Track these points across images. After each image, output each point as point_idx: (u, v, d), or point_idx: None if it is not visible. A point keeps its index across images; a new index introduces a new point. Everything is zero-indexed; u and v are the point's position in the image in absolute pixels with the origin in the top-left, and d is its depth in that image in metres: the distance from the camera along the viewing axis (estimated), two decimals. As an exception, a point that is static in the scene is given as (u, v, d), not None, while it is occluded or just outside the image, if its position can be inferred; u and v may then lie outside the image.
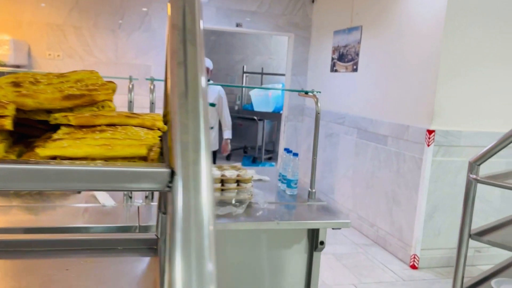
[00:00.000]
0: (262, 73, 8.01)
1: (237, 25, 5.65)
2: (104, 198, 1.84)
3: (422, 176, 3.59)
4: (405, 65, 3.90)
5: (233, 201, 1.93)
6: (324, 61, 5.44)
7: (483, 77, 3.56)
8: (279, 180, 2.36)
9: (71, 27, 5.11)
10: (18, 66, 4.96)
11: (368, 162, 4.40)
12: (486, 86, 3.56)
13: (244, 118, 7.55)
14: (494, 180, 2.07)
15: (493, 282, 2.19)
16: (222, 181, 2.00)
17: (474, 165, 2.12)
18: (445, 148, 3.56)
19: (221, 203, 1.91)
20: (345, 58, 4.93)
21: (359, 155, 4.56)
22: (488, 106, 3.59)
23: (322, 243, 2.06)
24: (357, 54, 4.68)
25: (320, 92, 2.23)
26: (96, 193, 1.91)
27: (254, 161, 7.54)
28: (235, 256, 1.93)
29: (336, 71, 5.13)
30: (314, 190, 2.20)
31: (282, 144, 6.16)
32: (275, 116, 7.42)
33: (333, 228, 1.95)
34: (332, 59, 5.21)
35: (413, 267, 3.66)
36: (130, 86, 1.99)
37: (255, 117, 7.39)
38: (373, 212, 4.28)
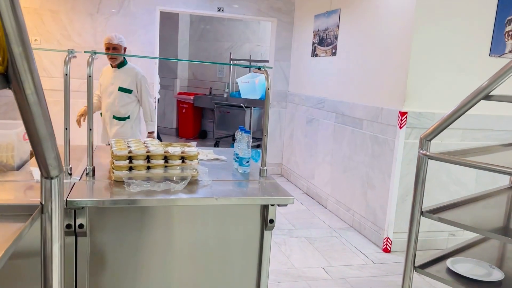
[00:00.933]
0: (250, 60, 7.93)
1: (219, 9, 5.57)
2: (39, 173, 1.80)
3: (395, 158, 3.55)
4: (380, 47, 3.83)
5: (174, 178, 1.89)
6: (305, 46, 5.37)
7: (457, 57, 3.50)
8: (233, 159, 2.32)
9: (48, 11, 5.05)
10: None
11: (345, 146, 4.36)
12: (459, 66, 3.50)
13: (232, 105, 7.50)
14: (446, 156, 2.03)
15: (448, 261, 2.16)
16: (166, 158, 1.96)
17: (424, 140, 2.07)
18: (418, 130, 3.51)
19: (162, 180, 1.87)
20: (324, 42, 4.87)
21: (337, 140, 4.52)
22: (462, 87, 3.52)
23: (271, 221, 2.02)
24: (336, 38, 4.61)
25: (271, 67, 2.17)
26: (32, 169, 1.87)
27: (241, 148, 7.50)
28: (185, 234, 1.90)
29: (316, 55, 5.07)
30: (265, 168, 2.16)
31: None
32: (262, 103, 7.35)
33: (278, 205, 1.91)
34: (313, 43, 5.15)
35: (386, 250, 3.63)
36: (67, 59, 1.93)
37: (243, 105, 7.33)
38: (350, 197, 4.24)
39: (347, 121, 4.32)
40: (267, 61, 6.94)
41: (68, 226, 1.78)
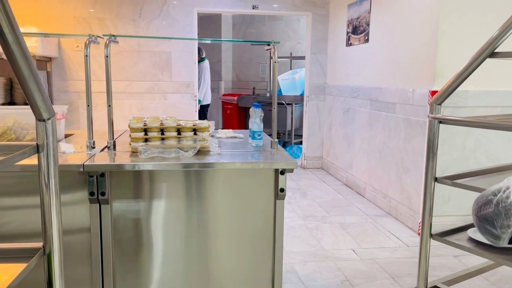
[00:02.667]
0: (290, 57, 8.00)
1: (254, 7, 5.71)
2: (66, 147, 2.00)
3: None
4: (408, 27, 3.77)
5: (185, 148, 2.01)
6: (340, 37, 5.36)
7: (487, 32, 3.36)
8: (249, 135, 2.41)
9: (95, 19, 5.44)
10: (49, 58, 5.38)
11: (380, 132, 4.29)
12: (493, 41, 3.36)
13: (273, 103, 7.58)
14: (457, 118, 2.00)
15: (470, 230, 2.10)
16: (179, 131, 2.09)
17: (434, 104, 2.05)
18: (451, 109, 3.40)
19: (174, 149, 2.00)
20: (357, 30, 4.84)
21: (373, 127, 4.46)
22: (496, 63, 3.37)
23: (282, 190, 2.07)
24: (368, 25, 4.57)
25: (279, 42, 2.25)
26: (60, 143, 2.07)
27: (284, 145, 7.56)
28: (196, 203, 2.00)
29: (351, 44, 5.04)
30: (276, 140, 2.23)
31: (304, 123, 6.14)
32: (303, 99, 7.38)
33: (285, 171, 1.96)
34: (347, 33, 5.13)
35: (421, 235, 3.53)
36: (87, 42, 2.12)
37: (284, 102, 7.40)
38: (385, 183, 4.17)
39: (381, 107, 4.26)
40: (304, 57, 6.97)
41: (92, 194, 1.95)
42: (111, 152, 2.07)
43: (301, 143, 7.72)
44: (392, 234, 3.57)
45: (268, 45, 2.26)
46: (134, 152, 2.03)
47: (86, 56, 2.06)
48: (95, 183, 1.93)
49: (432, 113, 2.01)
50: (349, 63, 5.11)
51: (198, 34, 6.75)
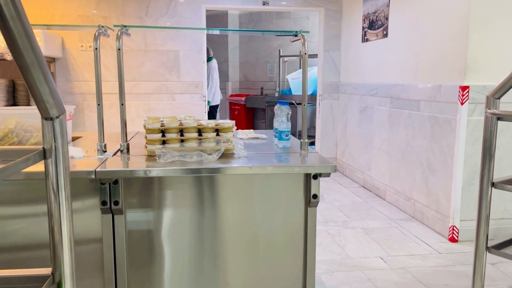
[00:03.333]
0: (299, 55, 7.78)
1: (264, 3, 5.50)
2: (75, 151, 1.79)
3: (457, 138, 3.23)
4: (434, 19, 3.54)
5: (208, 150, 1.80)
6: (355, 32, 5.14)
7: (524, 22, 3.14)
8: (274, 135, 2.19)
9: (100, 18, 5.24)
10: (53, 58, 5.18)
11: (402, 131, 4.07)
12: (528, 32, 3.14)
13: (283, 103, 7.37)
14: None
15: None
16: (200, 131, 1.88)
17: (492, 98, 1.82)
18: (483, 105, 3.17)
19: (195, 152, 1.78)
20: (375, 25, 4.62)
21: (393, 126, 4.23)
22: (532, 56, 3.15)
23: (315, 196, 1.86)
24: (387, 18, 4.35)
25: (308, 32, 2.03)
26: (70, 147, 1.86)
27: (294, 146, 7.34)
28: (223, 210, 1.79)
29: (367, 40, 4.82)
30: (306, 141, 2.01)
31: (318, 123, 5.92)
32: (314, 99, 7.16)
33: (320, 175, 1.74)
34: (363, 28, 4.91)
35: (452, 239, 3.31)
36: (96, 34, 1.91)
37: (294, 102, 7.18)
38: (409, 185, 3.94)
39: (402, 105, 4.03)
40: (317, 55, 6.75)
41: (104, 203, 1.74)
42: (124, 156, 1.86)
43: (312, 144, 7.51)
44: (420, 240, 3.34)
45: (296, 35, 2.04)
46: (151, 156, 1.81)
47: (96, 49, 1.85)
48: (108, 191, 1.72)
49: (489, 109, 1.78)
50: (365, 60, 4.89)
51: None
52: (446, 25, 3.38)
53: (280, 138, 2.05)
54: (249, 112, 8.50)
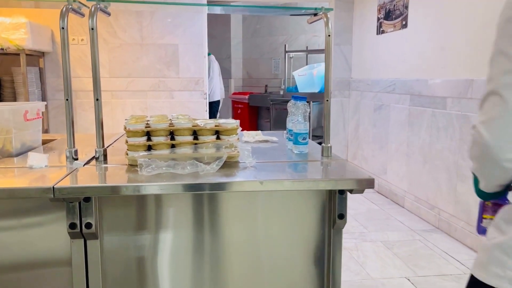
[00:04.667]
0: (306, 51, 7.38)
1: (269, -7, 5.09)
2: (36, 158, 1.39)
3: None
4: (464, 6, 3.13)
5: (206, 158, 1.40)
6: (369, 24, 4.73)
7: None
8: (287, 138, 1.79)
9: (99, 12, 4.83)
10: (42, 53, 4.79)
11: (424, 132, 3.65)
12: None
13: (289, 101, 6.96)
14: None
15: None
16: (195, 133, 1.48)
17: None
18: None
19: (189, 161, 1.38)
20: (392, 15, 4.20)
21: (414, 125, 3.82)
22: None
23: (341, 216, 1.46)
24: (406, 7, 3.94)
25: (332, 9, 1.63)
26: (30, 153, 1.46)
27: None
28: (222, 234, 1.40)
29: (383, 32, 4.41)
30: (329, 145, 1.61)
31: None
32: (322, 96, 6.75)
33: (351, 192, 1.34)
34: (378, 19, 4.50)
35: (486, 256, 2.89)
36: (64, 10, 1.52)
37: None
38: (433, 192, 3.53)
39: (425, 102, 3.62)
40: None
41: (72, 225, 1.34)
42: (99, 166, 1.46)
43: (320, 144, 7.10)
44: (450, 256, 2.93)
45: (315, 14, 1.64)
46: (133, 166, 1.42)
47: (63, 28, 1.45)
48: (77, 211, 1.33)
49: None
50: (380, 54, 4.48)
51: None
52: (477, 11, 2.96)
53: (296, 142, 1.65)
54: (253, 111, 8.10)
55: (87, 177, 1.34)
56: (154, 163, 1.30)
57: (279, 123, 7.33)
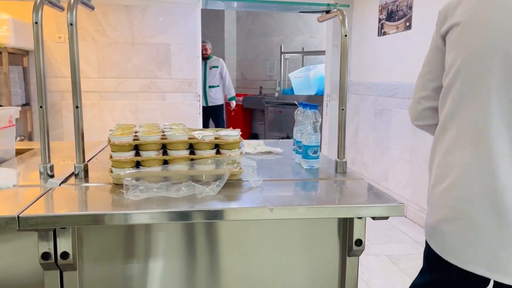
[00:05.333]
0: (302, 52, 7.20)
1: (266, -8, 4.88)
2: (3, 176, 1.17)
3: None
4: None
5: (204, 177, 1.20)
6: (369, 25, 4.55)
7: None
8: (294, 150, 1.59)
9: (80, 5, 4.60)
10: (26, 51, 4.54)
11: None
12: None
13: (284, 104, 6.79)
14: None
15: None
16: (192, 147, 1.27)
17: None
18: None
19: (187, 181, 1.18)
20: (395, 15, 4.03)
21: (418, 131, 3.64)
22: None
23: (359, 242, 1.27)
24: (410, 8, 3.77)
25: (348, 5, 1.44)
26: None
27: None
28: (223, 266, 1.20)
29: (384, 33, 4.24)
30: (344, 160, 1.41)
31: (325, 127, 5.33)
32: (319, 99, 6.57)
33: (373, 218, 1.15)
34: (380, 20, 4.32)
35: (498, 273, 2.72)
36: (38, 2, 1.31)
37: (296, 102, 6.59)
38: (439, 202, 3.35)
39: (430, 108, 3.44)
40: (323, 52, 6.17)
41: (45, 256, 1.13)
42: (80, 186, 1.25)
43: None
44: (459, 272, 2.75)
45: (328, 11, 1.44)
46: (119, 185, 1.21)
47: (36, 23, 1.24)
48: (51, 238, 1.12)
49: None
50: (382, 56, 4.30)
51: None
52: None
53: (306, 156, 1.45)
54: (247, 113, 7.90)
55: (63, 201, 1.12)
56: (142, 184, 1.09)
57: (274, 126, 7.16)
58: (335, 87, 5.14)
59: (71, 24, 1.24)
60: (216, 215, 1.03)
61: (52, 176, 1.27)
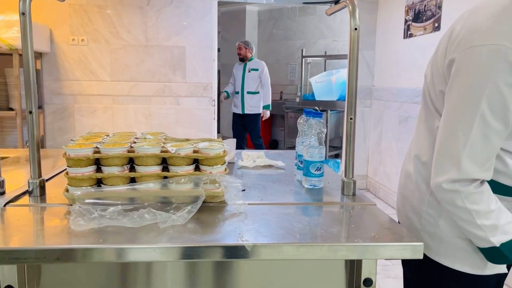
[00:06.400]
0: (325, 56, 6.93)
1: (286, -8, 4.67)
2: None
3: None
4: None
5: (174, 200, 0.97)
6: (395, 27, 4.26)
7: None
8: (296, 165, 1.36)
9: (94, 7, 4.50)
10: (39, 53, 4.46)
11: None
12: None
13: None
14: None
15: None
16: (166, 162, 1.06)
17: None
18: None
19: (147, 209, 0.96)
20: (422, 16, 3.74)
21: (446, 142, 3.33)
22: None
23: (369, 282, 1.02)
24: (439, 7, 3.47)
25: (359, -6, 1.20)
26: None
27: (317, 158, 6.46)
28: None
29: (411, 35, 3.94)
30: (352, 179, 1.17)
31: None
32: (340, 105, 6.28)
33: (385, 259, 0.90)
34: (406, 21, 4.03)
35: (538, 304, 2.39)
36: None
37: (317, 108, 6.33)
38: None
39: (461, 116, 3.13)
40: (345, 56, 5.89)
41: (-15, 289, 0.93)
42: (29, 207, 1.04)
43: (336, 156, 6.63)
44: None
45: (336, 3, 1.21)
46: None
47: (23, 14, 1.05)
48: (-7, 270, 0.92)
49: None
50: (408, 59, 4.01)
51: (219, 32, 5.80)
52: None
53: (308, 174, 1.21)
54: (267, 119, 7.67)
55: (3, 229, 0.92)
56: (92, 210, 0.88)
57: (294, 132, 6.90)
58: (359, 92, 4.86)
59: (23, 14, 1.04)
60: (174, 253, 0.80)
61: (2, 193, 1.08)
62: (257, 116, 5.84)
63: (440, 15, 3.44)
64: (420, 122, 1.06)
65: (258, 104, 5.79)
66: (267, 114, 5.87)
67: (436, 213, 0.97)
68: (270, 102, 5.86)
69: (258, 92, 5.72)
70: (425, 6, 3.69)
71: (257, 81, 5.73)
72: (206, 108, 4.81)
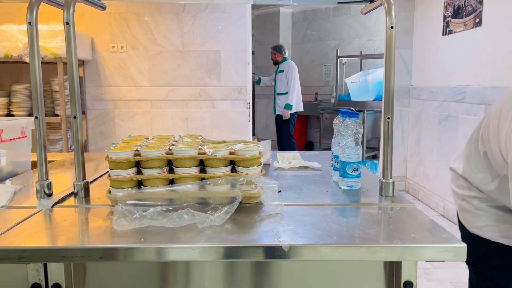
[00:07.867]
0: (360, 56, 6.84)
1: (320, -7, 4.64)
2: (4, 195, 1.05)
3: None
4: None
5: (211, 201, 0.99)
6: (433, 24, 4.15)
7: None
8: (332, 166, 1.35)
9: (133, 15, 4.64)
10: (82, 61, 4.64)
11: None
12: None
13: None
14: None
15: None
16: (203, 164, 1.08)
17: None
18: None
19: (186, 209, 0.98)
20: (462, 12, 3.62)
21: (490, 141, 3.21)
22: None
23: (409, 285, 1.00)
24: (480, 2, 3.35)
25: (395, -8, 1.18)
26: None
27: (353, 160, 6.37)
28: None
29: (450, 32, 3.83)
30: (391, 181, 1.15)
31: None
32: (377, 105, 6.17)
33: (427, 261, 0.88)
34: (445, 17, 3.91)
35: None
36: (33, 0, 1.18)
37: (353, 108, 6.24)
38: (516, 223, 2.90)
39: (505, 114, 3.01)
40: (381, 55, 5.78)
41: (36, 286, 0.99)
42: (74, 209, 1.09)
43: (374, 157, 6.51)
44: (542, 309, 2.32)
45: (371, 1, 1.20)
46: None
47: (30, 23, 1.11)
48: (43, 267, 0.97)
49: None
50: (447, 57, 3.89)
51: (253, 35, 5.84)
52: None
53: (344, 174, 1.21)
54: (302, 120, 7.65)
55: (44, 229, 0.97)
56: (134, 210, 0.91)
57: (330, 134, 6.84)
58: (397, 91, 4.75)
59: (67, 23, 1.09)
60: (211, 253, 0.81)
61: (50, 195, 1.13)
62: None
63: (482, 10, 3.32)
64: (471, 140, 1.16)
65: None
66: (286, 113, 5.81)
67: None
68: (291, 102, 5.83)
69: (286, 93, 5.73)
70: (465, 1, 3.57)
71: (284, 82, 5.76)
72: (241, 111, 4.85)
